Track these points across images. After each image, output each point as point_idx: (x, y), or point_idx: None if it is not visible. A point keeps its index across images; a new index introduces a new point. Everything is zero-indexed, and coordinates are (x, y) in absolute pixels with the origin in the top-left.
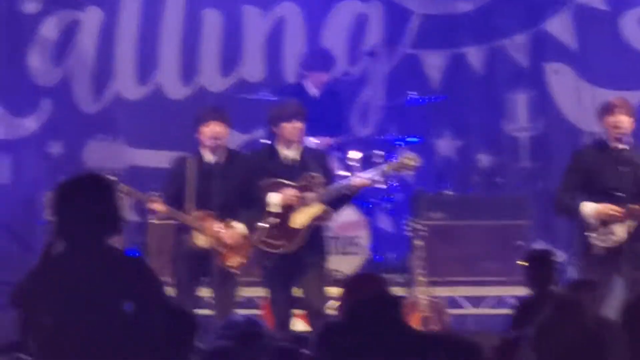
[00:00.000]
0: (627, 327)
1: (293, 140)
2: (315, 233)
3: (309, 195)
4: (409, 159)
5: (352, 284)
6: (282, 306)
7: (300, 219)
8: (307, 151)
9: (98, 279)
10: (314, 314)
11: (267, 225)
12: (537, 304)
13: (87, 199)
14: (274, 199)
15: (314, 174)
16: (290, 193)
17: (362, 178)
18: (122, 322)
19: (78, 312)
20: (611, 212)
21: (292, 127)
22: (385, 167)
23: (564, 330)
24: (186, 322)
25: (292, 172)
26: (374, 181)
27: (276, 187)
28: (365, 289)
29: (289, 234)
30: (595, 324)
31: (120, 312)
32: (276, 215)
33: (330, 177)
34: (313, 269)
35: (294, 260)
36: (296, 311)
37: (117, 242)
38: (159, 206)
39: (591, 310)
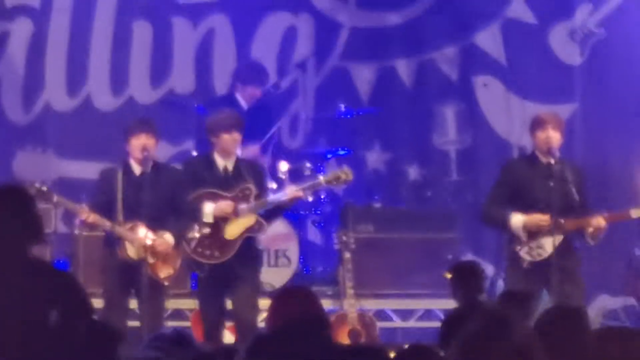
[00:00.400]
0: (541, 336)
1: (230, 151)
2: (248, 244)
3: (243, 206)
4: (343, 172)
5: (281, 298)
6: (213, 317)
7: (233, 230)
8: (241, 161)
9: (20, 289)
10: (244, 327)
11: (198, 235)
12: (464, 316)
13: (7, 211)
14: (208, 209)
15: (248, 185)
16: (223, 205)
17: (296, 191)
18: (44, 332)
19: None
20: (540, 222)
21: (231, 139)
22: (320, 179)
23: (491, 345)
24: (109, 334)
25: (227, 181)
26: (308, 194)
27: (211, 197)
28: (294, 303)
29: (222, 245)
30: (524, 339)
31: (43, 322)
32: (209, 225)
33: (263, 188)
34: (245, 281)
35: (226, 271)
36: (226, 323)
37: (44, 253)
38: (89, 216)
39: (520, 325)
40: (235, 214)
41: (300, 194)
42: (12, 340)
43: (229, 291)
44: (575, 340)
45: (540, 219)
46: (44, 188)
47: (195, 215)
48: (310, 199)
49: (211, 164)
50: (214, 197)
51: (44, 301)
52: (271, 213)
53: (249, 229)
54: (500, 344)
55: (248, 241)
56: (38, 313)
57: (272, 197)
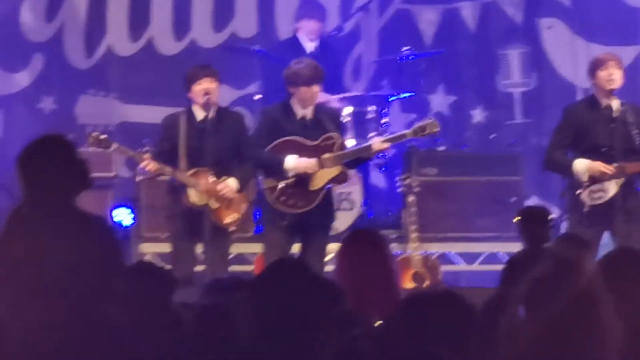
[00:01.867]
0: (607, 278)
1: (310, 103)
2: (327, 194)
3: (327, 157)
4: (429, 124)
5: (350, 242)
6: None
7: (318, 181)
8: (320, 109)
9: (60, 240)
10: None
11: (282, 185)
12: (529, 260)
13: (49, 160)
14: (290, 164)
15: (332, 134)
16: (306, 163)
17: (381, 142)
18: (86, 282)
19: (40, 275)
20: (603, 170)
21: (311, 92)
22: (405, 132)
23: (559, 287)
24: (161, 279)
25: (307, 130)
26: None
27: (293, 146)
28: (363, 247)
29: (306, 195)
30: (590, 283)
31: (84, 273)
32: (293, 177)
33: (342, 134)
34: (320, 229)
35: (304, 218)
36: None
37: (107, 197)
38: (149, 164)
39: (587, 269)
40: (320, 166)
41: (386, 145)
42: (54, 291)
43: (300, 236)
44: None
45: (604, 166)
46: (102, 136)
47: (277, 164)
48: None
49: (289, 112)
50: (297, 147)
51: (82, 250)
52: (354, 163)
53: (333, 179)
54: (567, 286)
55: (328, 190)
56: (77, 262)
57: (356, 148)
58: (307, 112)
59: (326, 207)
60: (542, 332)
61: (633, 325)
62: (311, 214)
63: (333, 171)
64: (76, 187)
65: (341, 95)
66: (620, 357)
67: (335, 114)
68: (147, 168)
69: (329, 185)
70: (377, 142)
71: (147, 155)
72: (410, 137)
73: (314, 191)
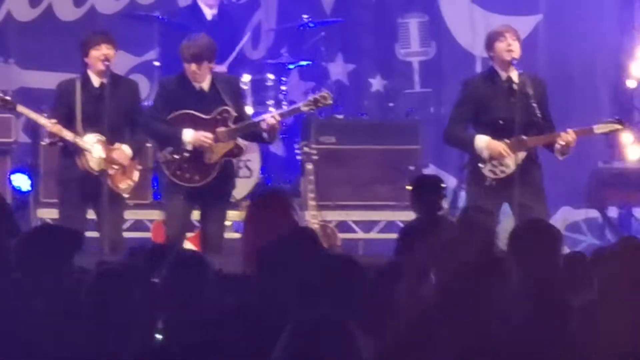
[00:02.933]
0: (514, 251)
1: (198, 80)
2: (225, 165)
3: (222, 130)
4: (322, 97)
5: (258, 206)
6: (178, 228)
7: (214, 155)
8: (218, 78)
9: None
10: (211, 238)
11: (177, 157)
12: (423, 229)
13: None
14: (187, 137)
15: (226, 107)
16: (202, 136)
17: (273, 117)
18: None
19: None
20: (502, 152)
21: (192, 69)
22: (299, 105)
23: (470, 249)
24: (64, 239)
25: (204, 101)
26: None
27: (189, 120)
28: (273, 211)
29: (201, 168)
30: (494, 247)
31: None
32: (188, 151)
33: (241, 103)
34: (219, 197)
35: (202, 188)
36: (188, 234)
37: (5, 162)
38: (53, 126)
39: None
40: (215, 140)
41: (278, 119)
42: None
43: (200, 203)
44: (549, 259)
45: (503, 149)
46: (7, 97)
47: (174, 137)
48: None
49: (186, 83)
50: (193, 120)
51: None
52: (250, 136)
53: (228, 153)
54: (478, 248)
55: (226, 162)
56: None
57: (250, 122)
58: (204, 84)
59: (225, 177)
60: (454, 290)
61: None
62: (210, 184)
63: (228, 145)
64: None
65: (230, 59)
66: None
67: (234, 82)
68: (51, 130)
69: (225, 158)
70: (269, 117)
71: (53, 120)
72: (303, 110)
73: (210, 165)
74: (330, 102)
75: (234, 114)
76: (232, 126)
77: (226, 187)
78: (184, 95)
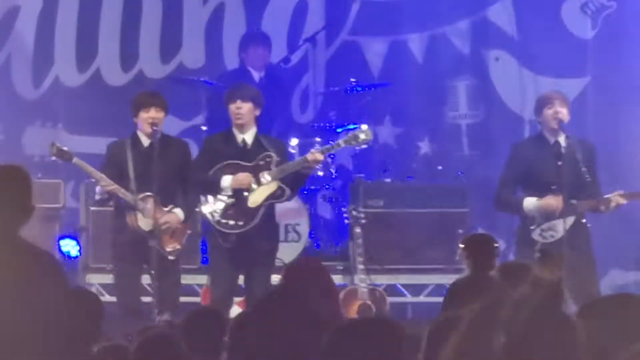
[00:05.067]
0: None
1: (239, 122)
2: (268, 215)
3: (264, 173)
4: (362, 132)
5: (291, 269)
6: (224, 291)
7: (256, 197)
8: (263, 136)
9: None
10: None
11: (221, 207)
12: (473, 286)
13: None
14: (225, 183)
15: (269, 153)
16: (241, 176)
17: (315, 153)
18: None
19: None
20: (552, 208)
21: (235, 107)
22: (338, 141)
23: (543, 311)
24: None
25: (247, 153)
26: (326, 156)
27: (231, 168)
28: (305, 275)
29: (244, 213)
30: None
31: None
32: (229, 196)
33: (285, 157)
34: (263, 256)
35: (247, 244)
36: (236, 298)
37: (53, 227)
38: (109, 184)
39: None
40: (257, 182)
41: (320, 156)
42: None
43: (246, 265)
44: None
45: (553, 204)
46: (65, 148)
47: (213, 184)
48: (322, 171)
49: (231, 137)
50: (235, 168)
51: (25, 281)
52: (293, 179)
53: (271, 196)
54: (549, 310)
55: (269, 211)
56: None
57: (292, 162)
58: (247, 136)
59: (269, 231)
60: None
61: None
62: (254, 239)
63: (271, 187)
64: (21, 219)
65: None
66: None
67: (280, 142)
68: (107, 188)
69: (268, 207)
70: (311, 154)
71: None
72: (343, 145)
73: (253, 208)
74: (370, 137)
75: (277, 158)
76: (274, 168)
77: (270, 248)
78: (227, 149)
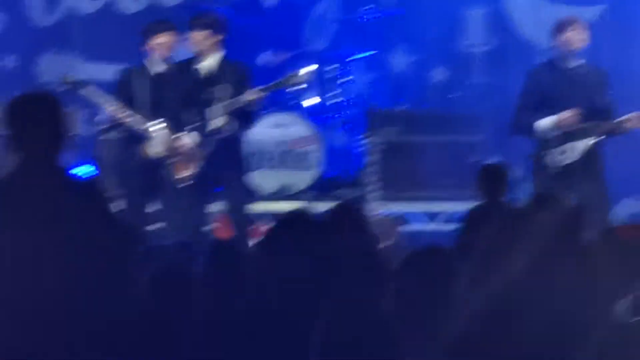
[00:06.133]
0: None
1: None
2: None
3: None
4: (296, 77)
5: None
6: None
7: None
8: (226, 62)
9: (47, 197)
10: None
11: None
12: (485, 213)
13: (39, 116)
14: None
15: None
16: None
17: (256, 91)
18: (72, 240)
19: (24, 230)
20: (570, 118)
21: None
22: (280, 80)
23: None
24: (130, 235)
25: (209, 84)
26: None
27: None
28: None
29: None
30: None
31: (70, 231)
32: None
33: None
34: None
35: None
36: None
37: (68, 156)
38: (121, 111)
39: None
40: None
41: (260, 94)
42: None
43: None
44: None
45: (569, 117)
46: (76, 78)
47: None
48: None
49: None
50: None
51: (68, 209)
52: (240, 116)
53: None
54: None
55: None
56: (63, 222)
57: (232, 100)
58: (208, 64)
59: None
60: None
61: None
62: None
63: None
64: (60, 146)
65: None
66: None
67: (239, 67)
68: (119, 115)
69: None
70: (250, 92)
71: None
72: (282, 85)
73: None
74: (299, 80)
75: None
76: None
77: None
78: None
